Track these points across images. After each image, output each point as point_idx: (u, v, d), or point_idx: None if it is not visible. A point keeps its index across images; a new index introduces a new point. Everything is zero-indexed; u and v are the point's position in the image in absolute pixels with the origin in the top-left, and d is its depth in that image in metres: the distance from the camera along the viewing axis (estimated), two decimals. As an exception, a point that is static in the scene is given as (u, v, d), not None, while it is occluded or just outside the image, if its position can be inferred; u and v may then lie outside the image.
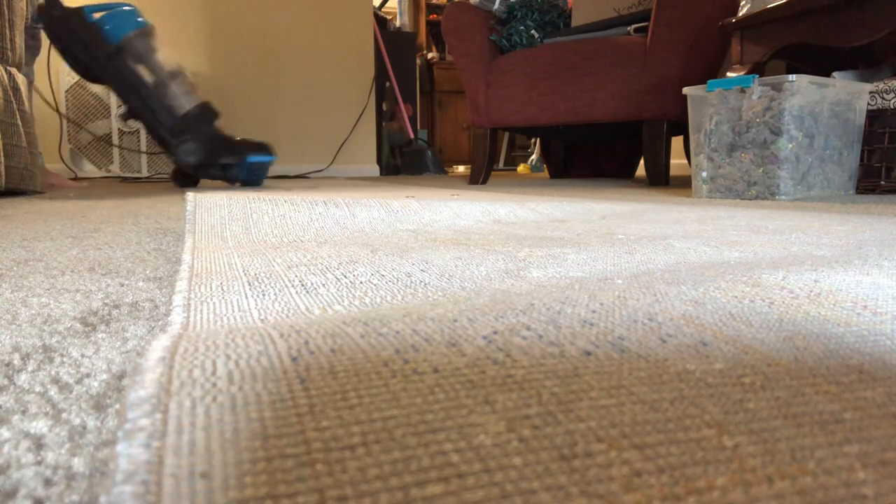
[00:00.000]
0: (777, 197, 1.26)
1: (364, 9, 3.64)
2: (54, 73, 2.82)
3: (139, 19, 1.86)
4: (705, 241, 0.60)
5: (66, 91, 2.89)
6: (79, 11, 1.79)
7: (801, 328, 0.27)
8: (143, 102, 1.85)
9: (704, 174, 1.38)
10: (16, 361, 0.29)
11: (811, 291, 0.31)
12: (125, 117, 1.90)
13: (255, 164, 1.93)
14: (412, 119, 4.06)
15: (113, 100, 2.95)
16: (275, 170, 3.13)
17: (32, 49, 1.99)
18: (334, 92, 3.62)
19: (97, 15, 1.80)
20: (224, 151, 1.87)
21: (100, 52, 1.80)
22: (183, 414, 0.18)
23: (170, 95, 1.85)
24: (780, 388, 0.21)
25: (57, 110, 2.69)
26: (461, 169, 5.17)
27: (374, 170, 3.80)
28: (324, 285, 0.42)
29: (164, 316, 0.38)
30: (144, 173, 3.02)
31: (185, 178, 2.01)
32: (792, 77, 1.21)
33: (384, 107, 3.90)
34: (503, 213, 0.93)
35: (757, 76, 1.26)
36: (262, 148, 1.96)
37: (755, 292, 0.31)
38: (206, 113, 1.89)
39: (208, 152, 1.85)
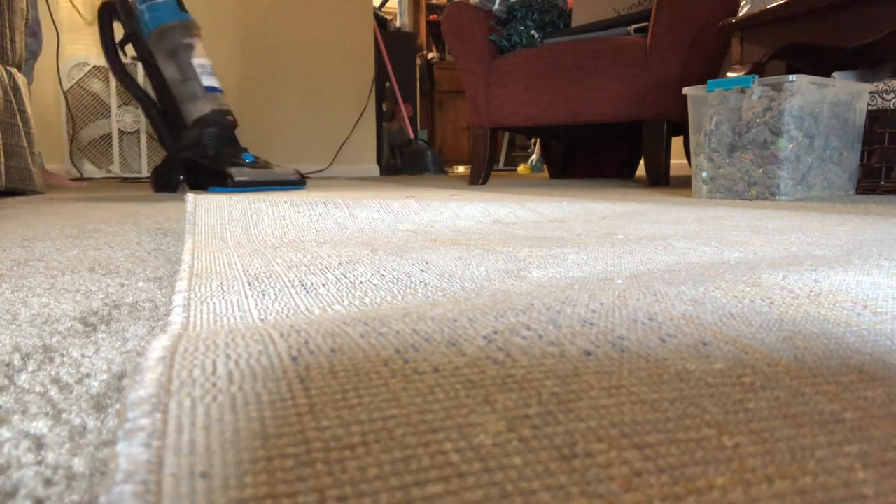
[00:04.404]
0: (777, 197, 1.26)
1: (364, 9, 3.64)
2: (56, 74, 2.82)
3: (179, 12, 1.86)
4: (705, 241, 0.60)
5: (66, 91, 2.88)
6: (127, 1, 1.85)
7: (801, 328, 0.27)
8: (156, 100, 1.84)
9: (704, 174, 1.38)
10: (16, 361, 0.29)
11: (811, 291, 0.31)
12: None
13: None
14: (412, 119, 4.06)
15: (113, 100, 2.95)
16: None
17: (32, 50, 1.98)
18: (334, 92, 3.62)
19: (142, 5, 1.84)
20: (206, 177, 1.72)
21: (139, 41, 1.83)
22: (183, 413, 0.18)
23: (186, 98, 1.81)
24: (780, 388, 0.21)
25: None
26: (461, 169, 5.16)
27: (374, 170, 3.80)
28: (324, 285, 0.42)
29: (164, 316, 0.38)
30: (144, 173, 3.01)
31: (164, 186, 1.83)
32: (792, 77, 1.21)
33: (384, 107, 3.90)
34: (503, 213, 0.93)
35: (757, 76, 1.26)
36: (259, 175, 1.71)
37: (755, 292, 0.31)
38: (216, 123, 1.79)
39: (190, 178, 1.78)
